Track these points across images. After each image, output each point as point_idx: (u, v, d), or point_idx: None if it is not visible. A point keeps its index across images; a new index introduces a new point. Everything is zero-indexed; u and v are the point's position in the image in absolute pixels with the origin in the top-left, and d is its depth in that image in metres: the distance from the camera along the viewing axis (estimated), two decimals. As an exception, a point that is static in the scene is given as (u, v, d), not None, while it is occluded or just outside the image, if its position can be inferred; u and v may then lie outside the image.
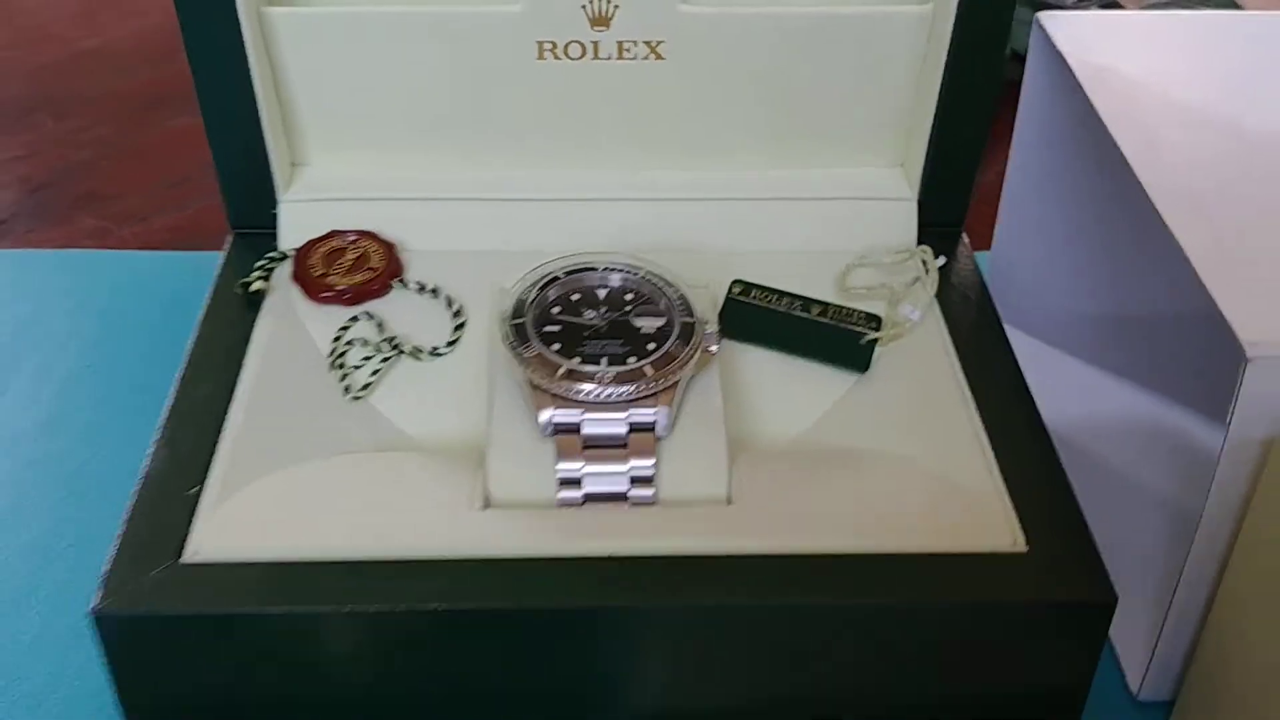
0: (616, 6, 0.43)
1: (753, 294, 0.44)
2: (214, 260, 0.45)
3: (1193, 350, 0.44)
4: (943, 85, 0.44)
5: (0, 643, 0.43)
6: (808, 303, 0.43)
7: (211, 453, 0.38)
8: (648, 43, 0.44)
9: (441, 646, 0.35)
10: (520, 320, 0.39)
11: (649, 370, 0.37)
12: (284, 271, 0.45)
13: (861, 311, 0.43)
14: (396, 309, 0.44)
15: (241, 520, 0.36)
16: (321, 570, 0.34)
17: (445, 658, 0.35)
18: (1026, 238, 0.54)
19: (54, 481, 0.48)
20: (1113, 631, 0.41)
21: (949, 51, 0.43)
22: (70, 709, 0.41)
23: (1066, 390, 0.49)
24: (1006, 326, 0.44)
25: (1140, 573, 0.41)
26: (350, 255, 0.45)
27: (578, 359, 0.38)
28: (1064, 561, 0.35)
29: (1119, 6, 0.65)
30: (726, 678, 0.36)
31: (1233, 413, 0.34)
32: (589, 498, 0.36)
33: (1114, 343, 0.50)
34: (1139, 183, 0.40)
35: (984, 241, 0.54)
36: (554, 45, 0.44)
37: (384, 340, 0.42)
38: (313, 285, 0.44)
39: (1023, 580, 0.34)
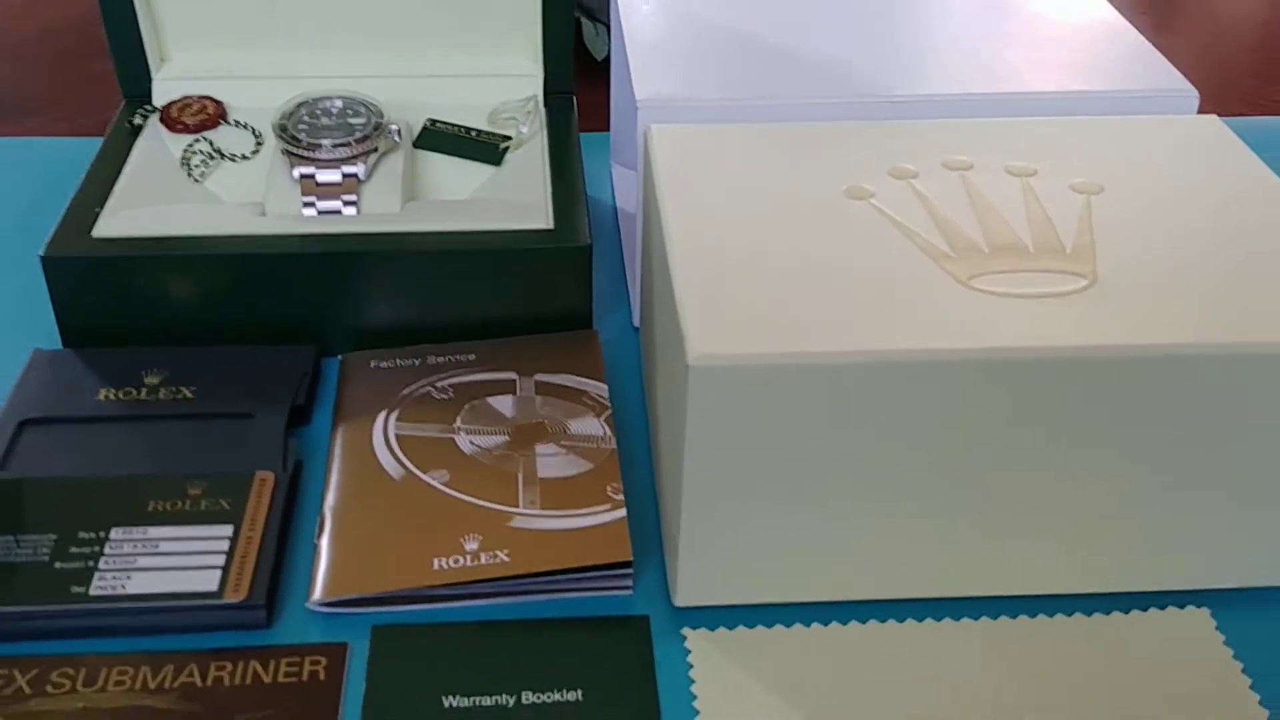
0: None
1: (437, 125, 0.74)
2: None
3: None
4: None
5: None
6: (468, 129, 0.74)
7: (109, 191, 0.67)
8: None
9: (249, 281, 0.64)
10: (284, 122, 0.69)
11: (353, 143, 0.67)
12: (154, 120, 0.74)
13: (500, 134, 0.74)
14: (223, 136, 0.73)
15: (125, 220, 0.65)
16: (174, 239, 0.64)
17: (253, 290, 0.64)
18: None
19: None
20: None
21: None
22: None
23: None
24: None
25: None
26: (194, 108, 0.75)
27: (315, 138, 0.68)
28: (567, 231, 0.66)
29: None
30: (391, 303, 0.66)
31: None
32: (321, 212, 0.66)
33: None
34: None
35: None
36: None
37: (214, 151, 0.72)
38: (170, 123, 0.73)
39: (545, 236, 0.65)
